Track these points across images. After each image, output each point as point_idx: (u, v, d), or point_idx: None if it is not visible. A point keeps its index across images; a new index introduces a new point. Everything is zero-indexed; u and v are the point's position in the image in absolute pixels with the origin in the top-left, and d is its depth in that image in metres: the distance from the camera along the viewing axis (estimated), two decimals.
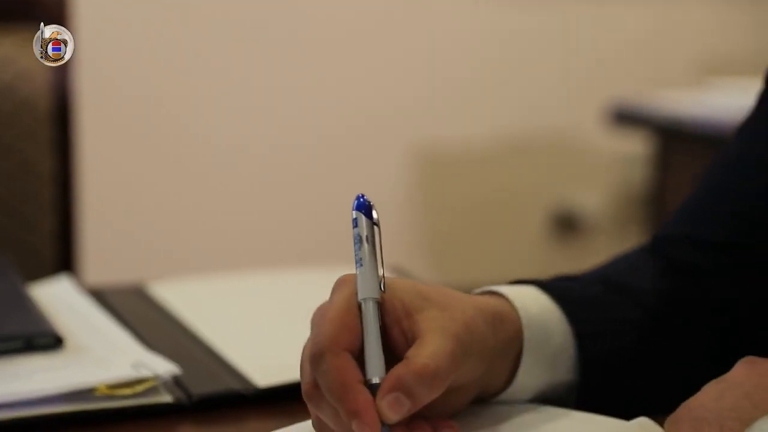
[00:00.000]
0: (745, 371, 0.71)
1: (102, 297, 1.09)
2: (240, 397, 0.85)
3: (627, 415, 0.74)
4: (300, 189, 2.75)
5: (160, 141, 2.60)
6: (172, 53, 2.59)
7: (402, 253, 2.78)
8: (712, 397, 0.70)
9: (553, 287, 0.82)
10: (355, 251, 0.70)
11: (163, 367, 0.86)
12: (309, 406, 0.69)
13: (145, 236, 2.60)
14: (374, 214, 0.71)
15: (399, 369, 0.66)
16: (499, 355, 0.75)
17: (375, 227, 0.71)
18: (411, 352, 0.68)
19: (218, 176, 2.69)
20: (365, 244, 0.70)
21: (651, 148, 2.55)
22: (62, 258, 1.60)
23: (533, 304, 0.78)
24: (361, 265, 0.70)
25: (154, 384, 0.85)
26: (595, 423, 0.75)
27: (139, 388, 0.84)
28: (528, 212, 3.10)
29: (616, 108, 2.54)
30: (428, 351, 0.67)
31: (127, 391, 0.83)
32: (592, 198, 3.14)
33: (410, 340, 0.69)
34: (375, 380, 0.67)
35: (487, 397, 0.77)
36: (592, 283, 0.87)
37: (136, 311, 1.05)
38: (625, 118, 2.53)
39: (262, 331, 0.99)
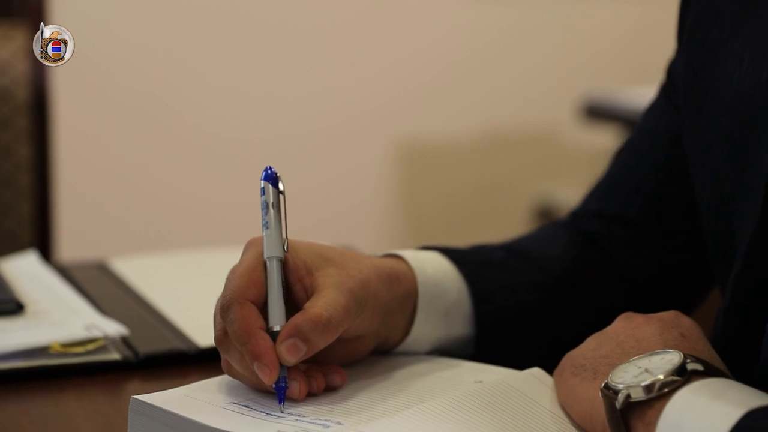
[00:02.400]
0: (622, 324, 0.79)
1: (66, 271, 1.17)
2: (182, 356, 0.94)
3: (525, 367, 0.83)
4: (285, 183, 2.81)
5: (133, 130, 2.65)
6: (147, 46, 2.64)
7: (386, 246, 2.84)
8: (591, 347, 0.79)
9: (453, 251, 0.91)
10: (262, 216, 0.79)
11: (112, 328, 0.95)
12: (220, 351, 0.78)
13: (116, 220, 2.66)
14: (280, 185, 0.80)
15: (297, 318, 0.75)
16: (395, 310, 0.83)
17: (281, 195, 0.79)
18: (308, 304, 0.77)
19: (196, 168, 2.75)
20: (271, 210, 0.79)
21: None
22: (39, 240, 1.68)
23: (430, 265, 0.87)
24: (267, 228, 0.79)
25: (104, 343, 0.93)
26: (485, 371, 0.83)
27: (90, 347, 0.92)
28: (509, 205, 3.17)
29: (589, 103, 2.61)
30: (323, 302, 0.76)
31: (79, 349, 0.92)
32: (572, 191, 3.21)
33: (310, 295, 0.78)
34: (276, 328, 0.76)
35: (387, 349, 0.86)
36: (496, 250, 0.96)
37: (95, 283, 1.13)
38: (598, 112, 2.60)
39: (207, 299, 1.07)
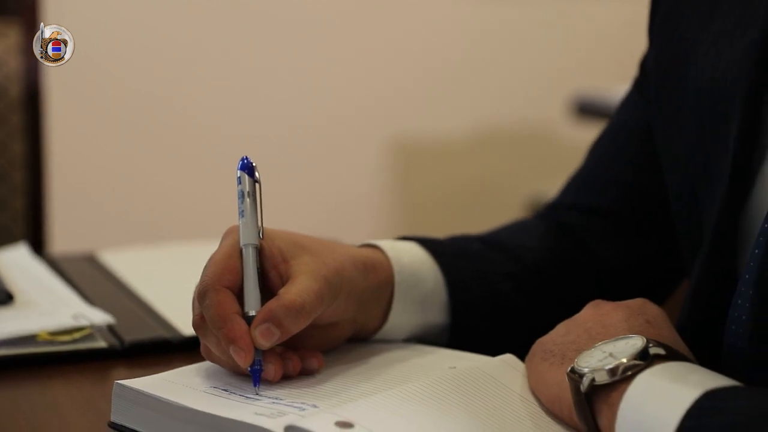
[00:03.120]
0: (590, 312, 0.82)
1: (56, 263, 1.20)
2: (166, 344, 0.96)
3: (499, 354, 0.85)
4: (279, 180, 2.83)
5: (125, 126, 2.67)
6: (140, 43, 2.66)
7: None
8: (561, 333, 0.81)
9: (429, 242, 0.93)
10: (238, 204, 0.81)
11: (99, 317, 0.97)
12: (198, 335, 0.80)
13: (108, 215, 2.68)
14: (256, 174, 0.82)
15: (271, 303, 0.78)
16: (371, 298, 0.86)
17: (256, 184, 0.82)
18: (282, 290, 0.79)
19: (188, 164, 2.76)
20: (247, 199, 0.81)
21: None
22: (32, 235, 1.71)
23: (406, 255, 0.90)
24: (243, 216, 0.81)
25: (90, 332, 0.95)
26: (460, 357, 0.86)
27: (77, 335, 0.95)
28: (502, 202, 3.19)
29: (581, 101, 2.63)
30: (297, 288, 0.79)
31: (66, 338, 0.94)
32: None
33: (285, 281, 0.81)
34: (251, 313, 0.79)
35: (364, 336, 0.88)
36: (473, 241, 0.98)
37: (84, 274, 1.15)
38: (590, 110, 2.62)
39: (192, 289, 1.10)
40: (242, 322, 0.77)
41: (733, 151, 0.81)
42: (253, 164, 0.82)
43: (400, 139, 3.01)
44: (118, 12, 2.63)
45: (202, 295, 0.78)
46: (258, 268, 0.80)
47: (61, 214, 2.08)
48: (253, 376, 0.77)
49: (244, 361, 0.77)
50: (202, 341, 0.80)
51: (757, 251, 0.77)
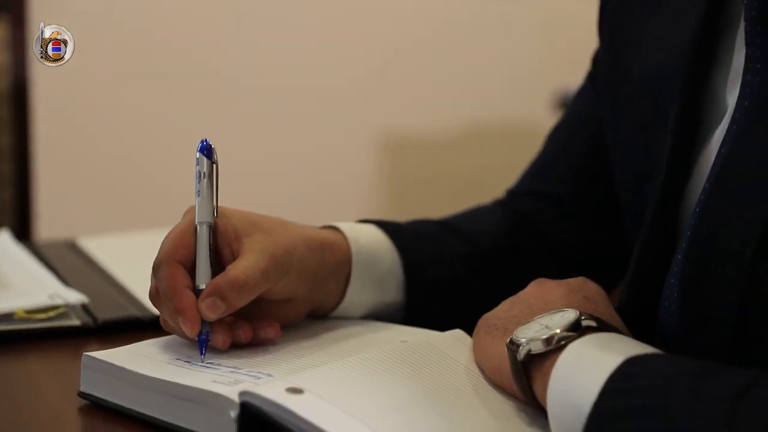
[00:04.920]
0: (533, 289, 0.87)
1: (38, 249, 1.25)
2: (138, 322, 1.01)
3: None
4: (266, 175, 2.86)
5: (110, 119, 2.70)
6: (125, 36, 2.68)
7: None
8: (505, 309, 0.86)
9: (388, 224, 0.98)
10: (195, 184, 0.86)
11: (74, 297, 1.02)
12: (154, 306, 0.86)
13: (94, 206, 2.71)
14: (214, 156, 0.87)
15: (217, 279, 0.84)
16: (328, 276, 0.91)
17: (213, 165, 0.87)
18: (229, 266, 0.85)
19: (177, 158, 2.79)
20: (204, 179, 0.86)
21: None
22: (19, 224, 1.76)
23: (365, 236, 0.95)
24: (199, 195, 0.86)
25: (65, 310, 1.00)
26: (412, 333, 0.90)
27: (52, 313, 1.00)
28: (490, 197, 3.22)
29: (566, 96, 2.66)
30: (243, 265, 0.84)
31: (42, 316, 0.99)
32: None
33: (236, 257, 0.85)
34: (202, 286, 0.84)
35: (322, 313, 0.93)
36: (430, 225, 1.03)
37: (63, 259, 1.20)
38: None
39: None
40: (190, 295, 0.83)
41: (671, 142, 0.86)
42: (212, 146, 0.87)
43: (387, 135, 3.05)
44: (105, 7, 2.66)
45: (156, 269, 0.84)
46: (211, 245, 0.85)
47: (47, 204, 2.12)
48: (200, 345, 0.83)
49: (190, 331, 0.82)
50: (159, 312, 0.85)
51: (689, 233, 0.81)
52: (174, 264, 0.84)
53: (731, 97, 0.82)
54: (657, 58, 0.89)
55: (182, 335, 0.85)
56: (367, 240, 0.95)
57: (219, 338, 0.83)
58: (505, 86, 3.14)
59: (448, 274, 0.98)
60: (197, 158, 0.87)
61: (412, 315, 0.96)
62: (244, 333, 0.85)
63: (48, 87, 2.38)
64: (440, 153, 3.13)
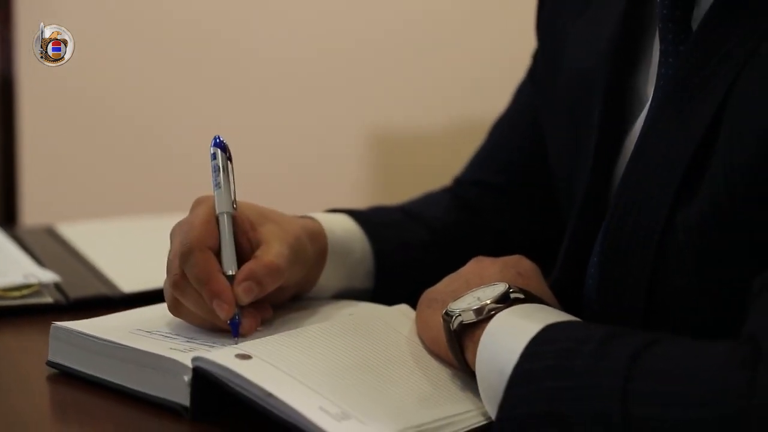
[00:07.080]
0: (472, 266, 0.93)
1: (17, 234, 1.31)
2: (108, 300, 1.07)
3: None
4: (255, 172, 2.88)
5: (96, 112, 2.73)
6: (111, 32, 2.71)
7: None
8: (445, 284, 0.93)
9: (358, 213, 1.05)
10: (213, 177, 0.92)
11: (47, 276, 1.08)
12: (175, 293, 0.89)
13: (78, 196, 2.74)
14: (229, 151, 0.93)
15: (251, 264, 0.89)
16: (314, 264, 0.98)
17: (228, 160, 0.93)
18: (259, 253, 0.90)
19: (164, 151, 2.83)
20: (221, 172, 0.92)
21: None
22: (6, 215, 1.82)
23: (338, 227, 1.01)
24: (219, 187, 0.92)
25: (38, 289, 1.06)
26: (360, 307, 0.97)
27: (26, 292, 1.06)
28: None
29: None
30: (273, 252, 0.90)
31: (16, 293, 1.05)
32: None
33: (254, 246, 0.91)
34: (230, 272, 0.89)
35: (299, 296, 0.99)
36: (395, 211, 1.10)
37: (40, 242, 1.26)
38: None
39: (136, 256, 1.21)
40: (224, 279, 0.88)
41: (598, 131, 0.92)
42: (225, 142, 0.93)
43: (377, 132, 3.07)
44: (92, 6, 2.70)
45: (186, 255, 0.88)
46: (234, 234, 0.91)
47: (32, 194, 2.17)
48: (233, 328, 0.88)
49: (226, 314, 0.87)
50: (178, 298, 0.89)
51: (609, 213, 0.88)
52: (205, 249, 0.89)
53: (650, 89, 0.89)
54: (583, 54, 0.96)
55: (199, 321, 0.89)
56: (341, 230, 1.01)
57: (247, 322, 0.88)
58: (494, 83, 3.16)
59: (411, 259, 1.04)
60: (212, 153, 0.92)
61: (377, 299, 1.02)
62: (260, 318, 0.90)
63: (34, 81, 2.42)
64: (429, 149, 3.15)
